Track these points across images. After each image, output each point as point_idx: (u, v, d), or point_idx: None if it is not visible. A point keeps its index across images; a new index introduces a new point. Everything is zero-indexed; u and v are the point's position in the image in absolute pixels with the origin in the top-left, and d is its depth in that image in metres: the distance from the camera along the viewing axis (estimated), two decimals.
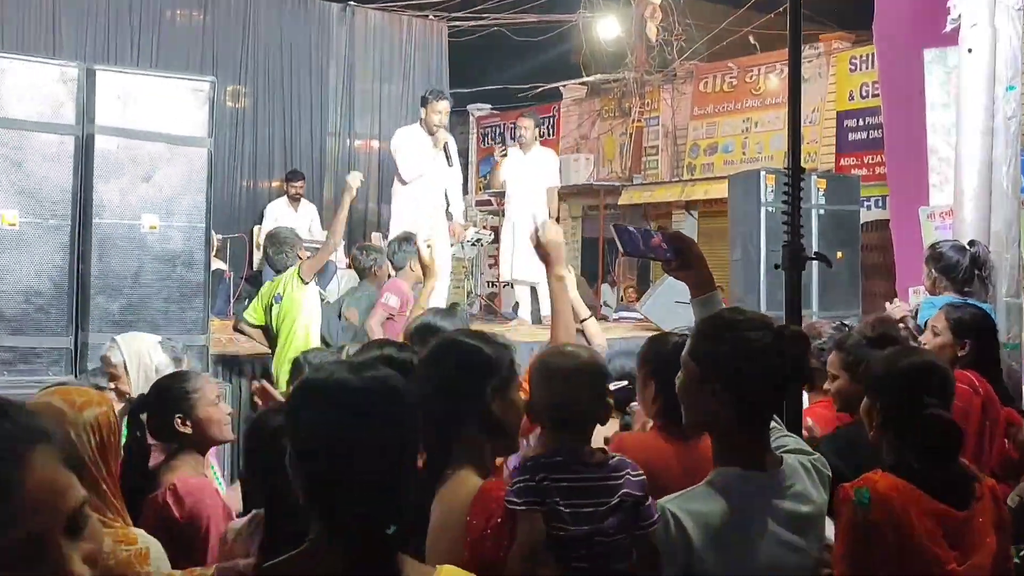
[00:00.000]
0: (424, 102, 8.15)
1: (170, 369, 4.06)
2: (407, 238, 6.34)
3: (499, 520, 2.06)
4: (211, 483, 3.17)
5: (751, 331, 2.11)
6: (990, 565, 2.40)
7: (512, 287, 9.68)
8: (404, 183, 7.99)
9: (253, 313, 6.14)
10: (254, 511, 2.61)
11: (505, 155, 9.04)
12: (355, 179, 6.46)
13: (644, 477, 2.11)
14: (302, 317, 5.91)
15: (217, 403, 3.29)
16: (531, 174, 9.04)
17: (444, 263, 8.11)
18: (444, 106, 8.13)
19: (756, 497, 2.09)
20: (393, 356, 2.81)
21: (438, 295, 7.86)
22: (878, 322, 3.67)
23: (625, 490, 2.07)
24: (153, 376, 3.84)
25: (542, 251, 3.33)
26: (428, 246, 4.90)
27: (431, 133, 7.99)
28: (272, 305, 6.03)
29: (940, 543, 2.34)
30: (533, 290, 9.04)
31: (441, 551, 2.06)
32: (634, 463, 2.16)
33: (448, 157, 8.10)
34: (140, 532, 2.47)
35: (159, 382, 3.45)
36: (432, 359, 2.41)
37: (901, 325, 4.15)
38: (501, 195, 10.30)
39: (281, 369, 5.73)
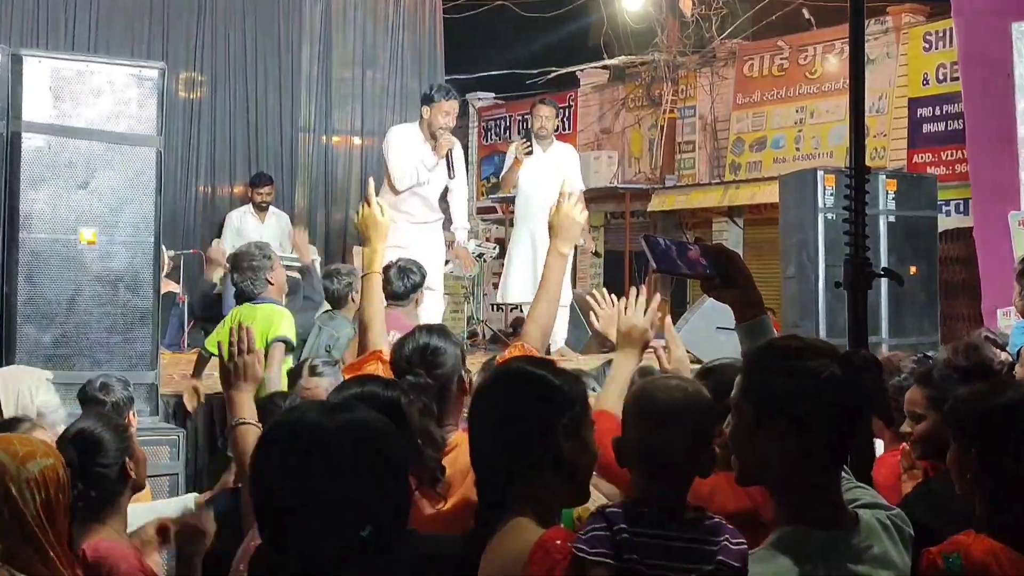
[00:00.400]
0: (428, 100, 8.02)
1: (59, 412, 4.02)
2: (409, 268, 6.36)
3: (561, 573, 2.05)
4: (128, 546, 3.16)
5: (813, 360, 2.09)
6: None
7: (522, 311, 9.60)
8: (396, 192, 7.93)
9: (217, 339, 6.06)
10: None
11: (530, 152, 8.69)
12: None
13: (746, 547, 2.08)
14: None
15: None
16: (550, 175, 8.76)
17: (437, 284, 8.10)
18: (452, 106, 8.04)
19: (828, 561, 2.07)
20: (377, 394, 2.81)
21: (432, 316, 7.90)
22: (970, 349, 3.62)
23: (721, 557, 2.04)
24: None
25: (556, 221, 3.40)
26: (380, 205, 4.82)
27: (433, 136, 7.93)
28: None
29: None
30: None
31: None
32: (735, 529, 2.13)
33: (450, 167, 8.03)
34: None
35: (87, 425, 3.39)
36: (491, 391, 2.44)
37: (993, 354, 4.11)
38: (509, 201, 10.25)
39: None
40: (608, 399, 3.04)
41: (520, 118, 17.08)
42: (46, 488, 2.35)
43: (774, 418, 2.09)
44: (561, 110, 17.05)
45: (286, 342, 5.79)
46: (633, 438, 2.24)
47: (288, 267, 8.84)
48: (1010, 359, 4.22)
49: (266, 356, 5.61)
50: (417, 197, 8.00)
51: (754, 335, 2.48)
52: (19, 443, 2.45)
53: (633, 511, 2.10)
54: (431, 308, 7.93)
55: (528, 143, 8.72)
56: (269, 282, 5.98)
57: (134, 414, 4.61)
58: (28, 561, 2.27)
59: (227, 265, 6.42)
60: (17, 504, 2.29)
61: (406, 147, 7.95)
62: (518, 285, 8.77)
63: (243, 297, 6.05)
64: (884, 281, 4.65)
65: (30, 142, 5.16)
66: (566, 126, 17.01)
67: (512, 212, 9.64)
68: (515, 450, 2.27)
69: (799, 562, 2.03)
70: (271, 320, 5.80)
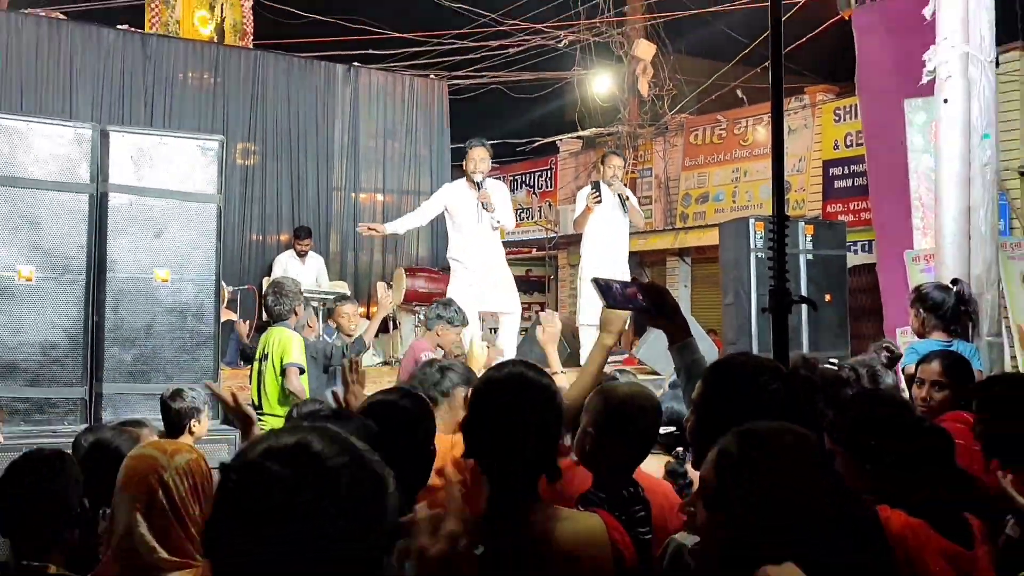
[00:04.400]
0: (463, 153, 7.78)
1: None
2: (448, 303, 6.32)
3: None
4: None
5: (761, 376, 2.08)
6: None
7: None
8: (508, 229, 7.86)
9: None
10: None
11: (599, 201, 8.15)
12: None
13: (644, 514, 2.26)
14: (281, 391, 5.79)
15: None
16: (619, 215, 8.40)
17: (515, 311, 7.92)
18: (477, 153, 7.62)
19: None
20: (394, 402, 2.58)
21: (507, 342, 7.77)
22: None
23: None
24: None
25: (605, 316, 3.29)
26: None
27: (471, 180, 7.63)
28: (263, 358, 5.85)
29: None
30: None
31: None
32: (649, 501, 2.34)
33: (485, 207, 7.62)
34: None
35: (99, 437, 3.39)
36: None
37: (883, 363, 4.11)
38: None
39: (264, 416, 5.69)
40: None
41: (511, 178, 17.12)
42: (192, 476, 2.33)
43: (726, 423, 2.06)
44: (542, 172, 17.22)
45: (300, 368, 5.74)
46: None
47: (323, 298, 8.89)
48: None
49: (283, 375, 5.65)
50: (470, 232, 7.73)
51: (683, 355, 2.49)
52: (169, 444, 2.47)
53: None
54: (510, 327, 7.80)
55: (597, 194, 8.18)
56: (295, 312, 5.98)
57: (197, 421, 4.36)
58: (178, 539, 2.25)
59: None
60: (170, 490, 2.27)
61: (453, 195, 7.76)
62: (592, 308, 7.96)
63: (271, 316, 6.02)
64: (804, 306, 4.66)
65: (115, 200, 5.19)
66: (549, 184, 17.08)
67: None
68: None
69: None
70: (286, 345, 5.75)
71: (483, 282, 7.66)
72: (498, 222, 7.75)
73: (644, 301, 2.59)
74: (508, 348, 7.59)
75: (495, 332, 8.14)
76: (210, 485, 2.38)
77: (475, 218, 7.63)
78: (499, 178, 14.91)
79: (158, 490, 2.27)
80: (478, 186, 7.60)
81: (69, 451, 3.10)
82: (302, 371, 5.74)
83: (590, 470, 2.46)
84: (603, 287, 2.65)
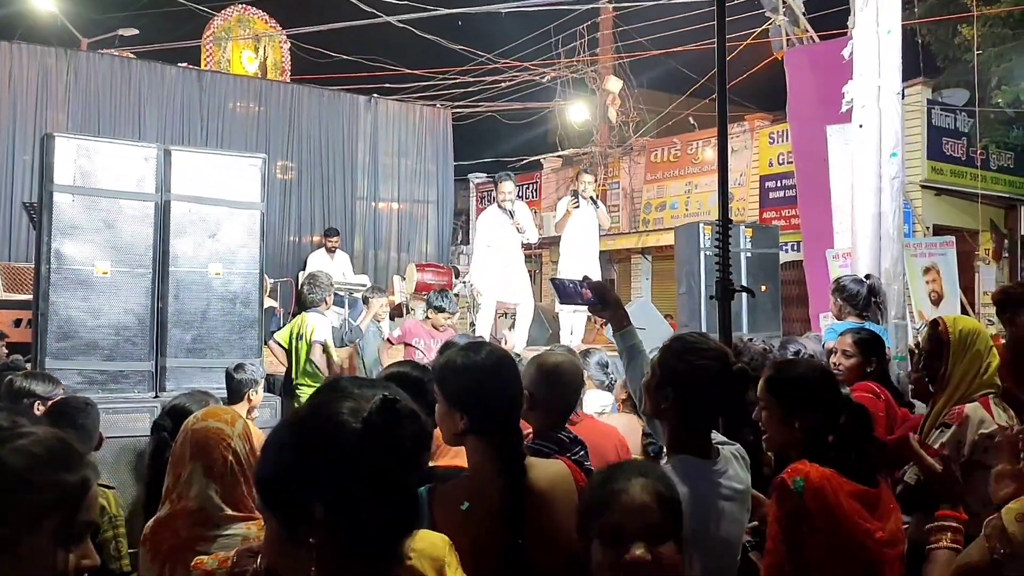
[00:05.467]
0: (494, 184, 7.87)
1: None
2: (446, 295, 6.42)
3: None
4: None
5: (705, 360, 2.07)
6: (901, 527, 2.33)
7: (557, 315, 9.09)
8: (532, 241, 8.02)
9: (281, 337, 6.08)
10: None
11: (577, 206, 8.08)
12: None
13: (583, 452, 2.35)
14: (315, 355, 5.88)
15: None
16: (589, 220, 8.36)
17: (528, 304, 8.03)
18: (503, 186, 7.74)
19: (710, 480, 2.07)
20: (407, 373, 2.59)
21: (521, 328, 7.90)
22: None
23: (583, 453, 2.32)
24: None
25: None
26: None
27: (500, 207, 7.76)
28: (298, 338, 5.95)
29: (867, 517, 2.20)
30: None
31: None
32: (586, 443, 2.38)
33: (519, 230, 7.76)
34: None
35: (180, 401, 3.29)
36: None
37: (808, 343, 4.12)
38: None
39: (299, 385, 5.83)
40: None
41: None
42: (249, 440, 2.19)
43: (671, 385, 2.09)
44: (528, 185, 17.18)
45: (323, 344, 5.80)
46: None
47: (351, 289, 8.86)
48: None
49: (308, 350, 5.72)
50: (502, 246, 7.91)
51: (626, 339, 2.49)
52: (223, 412, 2.29)
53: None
54: (524, 316, 7.91)
55: (576, 200, 8.15)
56: (325, 301, 5.99)
57: (255, 391, 4.33)
58: (241, 496, 2.13)
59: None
60: (237, 453, 2.15)
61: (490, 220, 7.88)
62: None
63: (304, 304, 6.03)
64: (744, 295, 4.68)
65: (176, 208, 5.16)
66: (535, 194, 17.04)
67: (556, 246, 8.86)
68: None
69: (693, 483, 2.00)
70: (314, 326, 5.83)
71: (507, 281, 7.88)
72: (527, 239, 7.96)
73: (592, 297, 2.58)
74: (522, 329, 7.80)
75: (512, 324, 8.19)
76: (259, 445, 2.31)
77: (508, 238, 7.79)
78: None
79: (228, 456, 2.14)
80: (511, 214, 7.73)
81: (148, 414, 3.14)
82: (325, 349, 5.77)
83: (531, 424, 2.45)
84: (558, 286, 2.65)
